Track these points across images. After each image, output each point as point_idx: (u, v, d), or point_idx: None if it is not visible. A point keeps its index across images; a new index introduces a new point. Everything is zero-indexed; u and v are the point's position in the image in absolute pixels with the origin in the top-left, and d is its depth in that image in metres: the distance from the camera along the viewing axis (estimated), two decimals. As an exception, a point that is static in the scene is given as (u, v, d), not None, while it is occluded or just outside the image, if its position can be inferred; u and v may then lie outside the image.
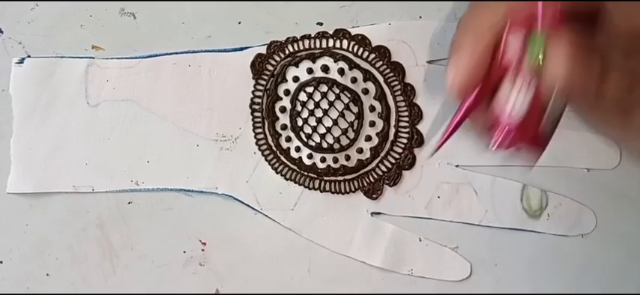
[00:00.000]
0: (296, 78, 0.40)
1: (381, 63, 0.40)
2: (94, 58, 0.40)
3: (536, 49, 0.25)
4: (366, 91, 0.40)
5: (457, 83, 0.28)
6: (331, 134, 0.40)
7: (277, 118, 0.40)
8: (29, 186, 0.39)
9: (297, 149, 0.40)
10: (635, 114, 0.28)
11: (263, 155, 0.40)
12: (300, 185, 0.39)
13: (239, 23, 0.40)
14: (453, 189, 0.40)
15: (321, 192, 0.39)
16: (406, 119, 0.40)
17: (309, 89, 0.40)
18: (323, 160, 0.40)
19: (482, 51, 0.27)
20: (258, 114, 0.40)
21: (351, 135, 0.40)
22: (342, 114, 0.40)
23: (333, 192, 0.39)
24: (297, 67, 0.40)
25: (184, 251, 0.39)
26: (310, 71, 0.40)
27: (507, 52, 0.27)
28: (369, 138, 0.40)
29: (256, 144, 0.40)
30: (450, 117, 0.40)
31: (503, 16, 0.27)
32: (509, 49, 0.26)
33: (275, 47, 0.40)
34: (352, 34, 0.40)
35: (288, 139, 0.40)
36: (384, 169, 0.40)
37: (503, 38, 0.26)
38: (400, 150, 0.40)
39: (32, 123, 0.40)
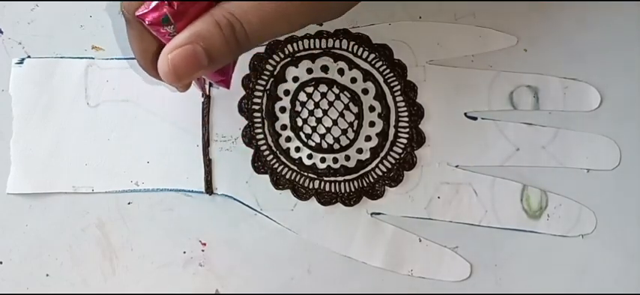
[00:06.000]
0: (296, 79, 0.40)
1: (380, 63, 0.40)
2: (94, 58, 0.40)
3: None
4: (365, 91, 0.40)
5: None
6: (331, 134, 0.40)
7: (277, 118, 0.40)
8: (29, 186, 0.39)
9: (297, 149, 0.40)
10: None
11: (263, 155, 0.40)
12: (300, 185, 0.39)
13: (239, 23, 0.40)
14: (453, 189, 0.40)
15: (320, 192, 0.39)
16: (406, 119, 0.40)
17: (309, 89, 0.40)
18: (323, 160, 0.40)
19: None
20: (258, 115, 0.40)
21: (351, 135, 0.40)
22: (341, 115, 0.40)
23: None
24: (297, 66, 0.40)
25: (184, 252, 0.39)
26: (310, 71, 0.40)
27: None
28: (368, 139, 0.40)
29: (256, 144, 0.40)
30: (450, 116, 0.40)
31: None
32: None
33: (274, 47, 0.40)
34: (352, 33, 0.40)
35: (288, 139, 0.40)
36: (384, 169, 0.40)
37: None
38: (400, 150, 0.40)
39: (32, 123, 0.40)
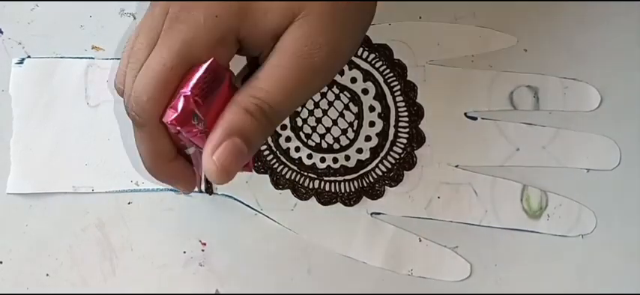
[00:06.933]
0: (296, 79, 0.40)
1: (380, 63, 0.40)
2: (94, 58, 0.40)
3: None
4: (365, 91, 0.40)
5: None
6: (331, 134, 0.40)
7: (277, 118, 0.40)
8: (29, 186, 0.39)
9: (297, 149, 0.40)
10: None
11: (263, 155, 0.40)
12: (300, 185, 0.39)
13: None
14: (453, 189, 0.40)
15: (320, 192, 0.39)
16: (406, 119, 0.40)
17: (309, 89, 0.40)
18: (323, 160, 0.40)
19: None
20: (258, 115, 0.40)
21: (351, 135, 0.40)
22: (341, 115, 0.40)
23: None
24: (297, 67, 0.40)
25: (184, 252, 0.39)
26: (310, 71, 0.40)
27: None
28: (368, 138, 0.40)
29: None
30: (450, 116, 0.40)
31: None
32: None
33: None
34: (352, 34, 0.40)
35: (288, 139, 0.40)
36: (384, 169, 0.40)
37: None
38: (400, 150, 0.40)
39: (32, 123, 0.40)
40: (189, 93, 0.28)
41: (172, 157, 0.31)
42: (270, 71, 0.28)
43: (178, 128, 0.28)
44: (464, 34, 0.41)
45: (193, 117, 0.28)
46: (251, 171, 0.33)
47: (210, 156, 0.28)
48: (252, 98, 0.28)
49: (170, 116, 0.28)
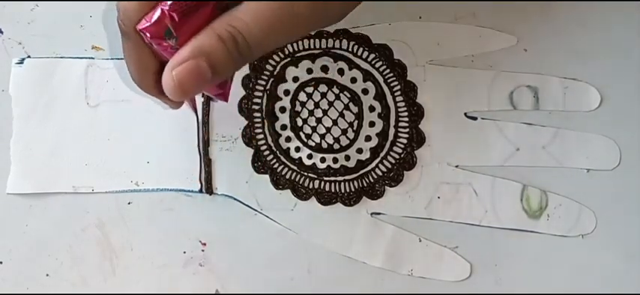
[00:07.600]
0: (296, 78, 0.40)
1: (380, 63, 0.40)
2: (93, 58, 0.40)
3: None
4: (365, 91, 0.40)
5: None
6: (331, 134, 0.40)
7: (277, 118, 0.40)
8: (29, 186, 0.39)
9: (297, 149, 0.40)
10: None
11: (263, 155, 0.40)
12: (300, 185, 0.39)
13: (239, 23, 0.40)
14: (453, 189, 0.40)
15: (320, 192, 0.39)
16: (406, 119, 0.40)
17: (309, 89, 0.40)
18: (323, 160, 0.40)
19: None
20: (258, 114, 0.40)
21: (351, 135, 0.40)
22: (341, 115, 0.40)
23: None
24: (297, 66, 0.40)
25: (184, 252, 0.39)
26: (310, 71, 0.40)
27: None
28: (368, 139, 0.40)
29: (256, 144, 0.40)
30: (450, 116, 0.40)
31: None
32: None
33: (275, 47, 0.40)
34: (352, 33, 0.40)
35: (288, 139, 0.40)
36: (384, 169, 0.40)
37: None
38: (400, 150, 0.40)
39: (32, 123, 0.40)
40: (167, 8, 0.28)
41: (156, 70, 0.31)
42: (251, 5, 0.29)
43: (150, 39, 0.29)
44: (464, 34, 0.41)
45: (166, 33, 0.28)
46: (226, 101, 0.33)
47: (170, 70, 0.28)
48: (228, 26, 0.29)
49: (142, 24, 0.28)
